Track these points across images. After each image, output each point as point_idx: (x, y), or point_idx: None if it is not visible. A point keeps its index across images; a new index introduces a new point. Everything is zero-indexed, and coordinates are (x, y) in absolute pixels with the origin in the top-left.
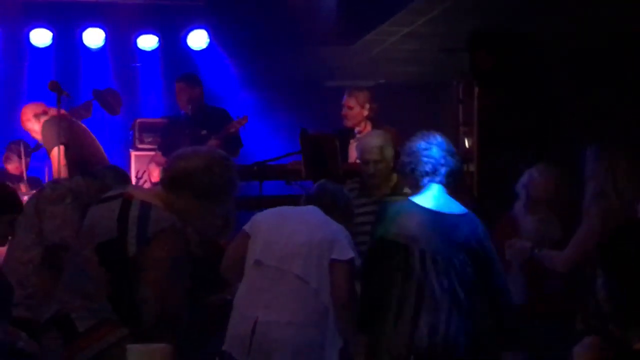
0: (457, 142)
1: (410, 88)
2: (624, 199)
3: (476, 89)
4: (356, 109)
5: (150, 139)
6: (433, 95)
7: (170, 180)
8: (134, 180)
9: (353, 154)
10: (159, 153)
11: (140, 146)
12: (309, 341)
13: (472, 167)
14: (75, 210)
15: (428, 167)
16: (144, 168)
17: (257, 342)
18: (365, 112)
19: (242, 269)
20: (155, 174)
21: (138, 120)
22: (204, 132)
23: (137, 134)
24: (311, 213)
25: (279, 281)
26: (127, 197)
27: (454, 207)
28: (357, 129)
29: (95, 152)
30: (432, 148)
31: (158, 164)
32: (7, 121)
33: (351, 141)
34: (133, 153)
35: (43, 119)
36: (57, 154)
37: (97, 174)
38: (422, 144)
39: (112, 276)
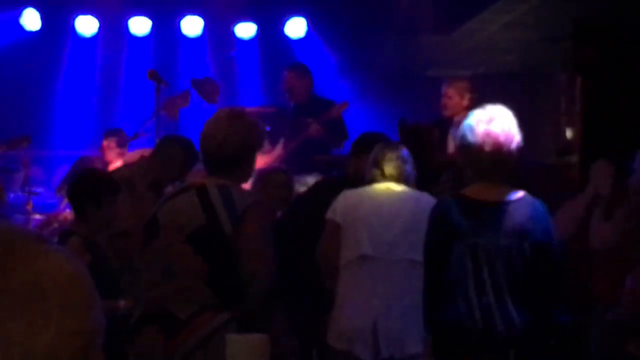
0: (557, 133)
1: (510, 78)
2: None
3: (579, 80)
4: (455, 99)
5: None
6: (533, 85)
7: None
8: None
9: (452, 145)
10: (267, 141)
11: None
12: None
13: (573, 159)
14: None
15: None
16: None
17: (383, 336)
18: (465, 102)
19: (337, 261)
20: (261, 163)
21: None
22: (309, 119)
23: None
24: (393, 187)
25: (391, 269)
26: (200, 186)
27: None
28: (455, 119)
29: None
30: None
31: (263, 152)
32: (106, 110)
33: (450, 131)
34: None
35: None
36: None
37: None
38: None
39: (210, 262)
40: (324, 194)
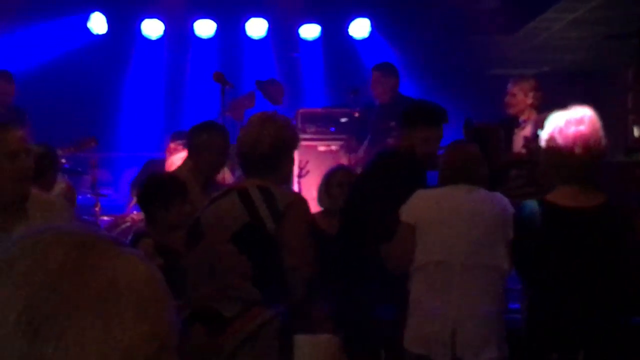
0: (624, 131)
1: (575, 75)
2: None
3: None
4: (520, 97)
5: (312, 129)
6: (599, 82)
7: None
8: (296, 171)
9: (518, 144)
10: (351, 140)
11: (303, 136)
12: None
13: None
14: None
15: None
16: (306, 158)
17: (461, 341)
18: (530, 101)
19: (410, 264)
20: (346, 162)
21: (300, 111)
22: (392, 123)
23: (299, 124)
24: (468, 188)
25: (469, 274)
26: (240, 188)
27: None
28: (521, 118)
29: None
30: None
31: (347, 150)
32: (172, 112)
33: (515, 130)
34: None
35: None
36: None
37: None
38: None
39: (254, 260)
40: (381, 174)
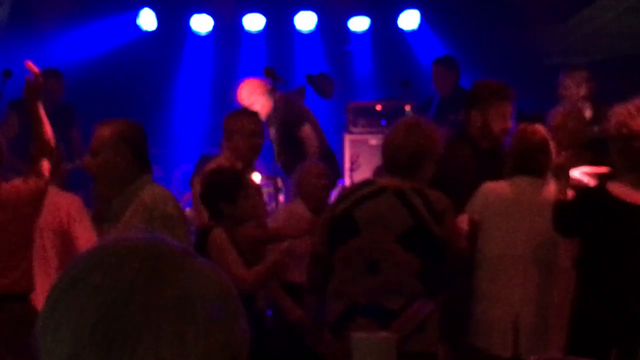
0: None
1: (628, 64)
2: None
3: None
4: (573, 89)
5: (364, 123)
6: None
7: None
8: (347, 165)
9: None
10: None
11: (354, 130)
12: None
13: None
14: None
15: None
16: (357, 152)
17: (523, 334)
18: (582, 92)
19: (473, 257)
20: None
21: (351, 104)
22: (451, 116)
23: (350, 118)
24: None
25: (529, 267)
26: (396, 188)
27: None
28: None
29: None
30: None
31: None
32: (222, 107)
33: None
34: (347, 137)
35: (266, 95)
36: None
37: None
38: None
39: (422, 258)
40: (456, 157)
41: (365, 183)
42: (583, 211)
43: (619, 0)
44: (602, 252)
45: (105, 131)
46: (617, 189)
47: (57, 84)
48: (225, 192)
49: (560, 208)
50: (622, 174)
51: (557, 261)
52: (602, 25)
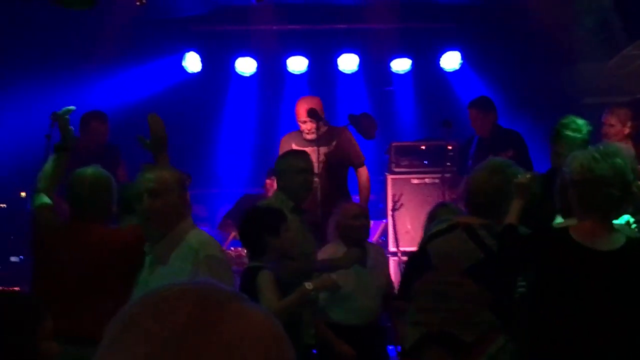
0: None
1: None
2: None
3: None
4: (617, 127)
5: (406, 162)
6: None
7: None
8: (390, 204)
9: None
10: (453, 175)
11: (396, 169)
12: None
13: None
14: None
15: None
16: (400, 191)
17: None
18: (627, 130)
19: None
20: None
21: (394, 144)
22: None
23: (393, 158)
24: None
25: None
26: (465, 225)
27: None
28: None
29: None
30: None
31: (450, 186)
32: (266, 147)
33: None
34: (389, 177)
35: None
36: None
37: None
38: None
39: (492, 290)
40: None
41: (442, 220)
42: (537, 245)
43: None
44: (551, 292)
45: (165, 174)
46: (577, 232)
47: (102, 126)
48: (268, 225)
49: (511, 236)
50: (581, 218)
51: None
52: None
